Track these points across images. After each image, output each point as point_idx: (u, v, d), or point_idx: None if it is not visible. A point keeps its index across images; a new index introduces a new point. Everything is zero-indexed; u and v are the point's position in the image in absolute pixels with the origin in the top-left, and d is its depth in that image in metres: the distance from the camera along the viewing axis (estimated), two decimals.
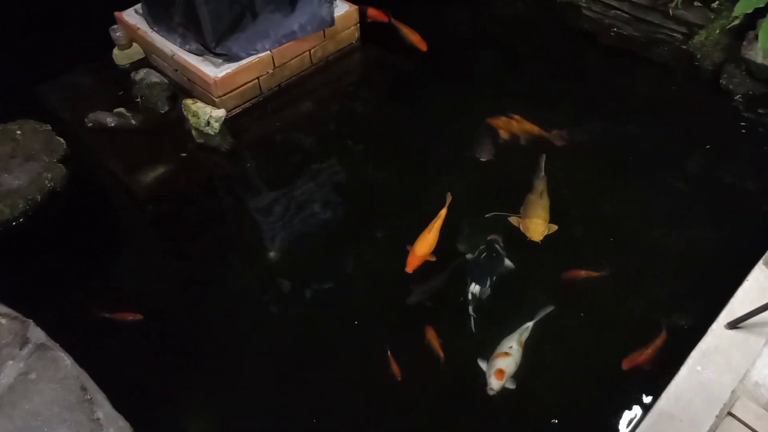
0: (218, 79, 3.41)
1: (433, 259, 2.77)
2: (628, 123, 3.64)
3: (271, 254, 3.02)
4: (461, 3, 4.85)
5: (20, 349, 2.33)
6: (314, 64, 3.95)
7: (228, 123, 3.46)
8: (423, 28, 4.43)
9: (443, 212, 2.93)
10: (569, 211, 3.08)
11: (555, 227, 2.89)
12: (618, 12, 4.28)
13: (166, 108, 3.63)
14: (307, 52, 3.85)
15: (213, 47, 3.42)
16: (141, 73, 3.70)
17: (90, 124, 3.51)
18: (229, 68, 3.46)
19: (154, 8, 3.70)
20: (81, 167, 3.30)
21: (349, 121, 3.79)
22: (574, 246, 2.96)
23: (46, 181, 3.09)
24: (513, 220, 2.94)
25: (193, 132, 3.38)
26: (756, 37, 3.43)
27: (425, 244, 2.80)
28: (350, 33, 4.09)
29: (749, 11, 3.36)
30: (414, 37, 4.05)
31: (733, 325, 2.34)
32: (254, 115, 3.70)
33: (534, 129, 3.50)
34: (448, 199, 3.00)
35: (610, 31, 4.30)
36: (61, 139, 3.33)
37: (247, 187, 3.40)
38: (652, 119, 3.68)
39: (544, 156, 3.22)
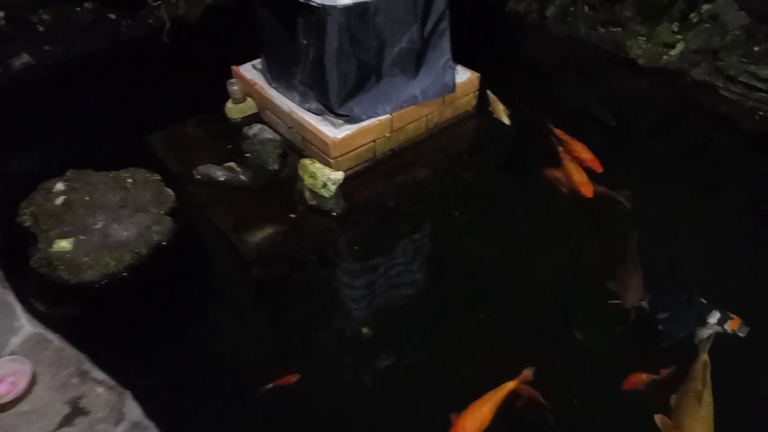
0: (337, 141, 3.24)
1: None
2: None
3: (365, 330, 2.70)
4: (580, 76, 4.64)
5: (115, 426, 2.07)
6: (429, 129, 3.76)
7: (341, 186, 3.25)
8: (538, 99, 4.24)
9: (510, 386, 2.30)
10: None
11: None
12: (763, 94, 3.90)
13: (277, 166, 3.48)
14: (425, 117, 3.67)
15: (336, 108, 3.27)
16: (254, 129, 3.61)
17: (199, 177, 3.40)
18: (348, 130, 3.29)
19: (275, 65, 3.65)
20: (188, 221, 3.14)
21: (457, 191, 3.53)
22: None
23: (154, 235, 2.94)
24: (659, 420, 2.20)
25: (306, 193, 3.19)
26: None
27: (474, 423, 2.17)
28: (468, 100, 3.90)
29: None
30: (580, 178, 3.31)
31: None
32: (366, 178, 3.49)
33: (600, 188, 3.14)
34: (526, 374, 2.35)
35: (754, 114, 3.91)
36: (171, 191, 3.21)
37: (354, 255, 3.15)
38: None
39: (711, 335, 2.50)
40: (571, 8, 4.89)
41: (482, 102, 4.02)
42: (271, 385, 2.36)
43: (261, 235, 3.05)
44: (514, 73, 4.58)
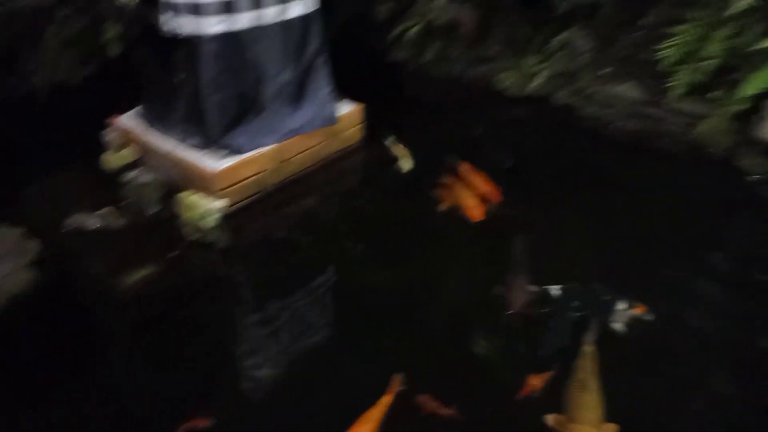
0: (218, 172, 3.17)
1: None
2: (644, 216, 3.46)
3: (263, 372, 2.53)
4: (459, 110, 4.94)
5: None
6: (318, 161, 3.78)
7: (227, 219, 3.16)
8: (425, 134, 4.44)
9: (386, 400, 2.25)
10: None
11: (614, 428, 2.16)
12: (616, 109, 4.33)
13: (158, 208, 3.33)
14: (311, 149, 3.70)
15: (217, 139, 3.23)
16: (132, 174, 3.47)
17: (70, 227, 3.16)
18: (231, 161, 3.24)
19: (155, 106, 3.58)
20: (55, 271, 2.87)
21: (350, 222, 3.54)
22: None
23: (11, 287, 2.65)
24: (550, 420, 2.19)
25: (188, 228, 3.04)
26: (764, 117, 3.42)
27: None
28: (354, 132, 4.00)
29: (752, 91, 3.38)
30: (470, 203, 3.41)
31: None
32: (255, 211, 3.41)
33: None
34: (395, 384, 2.32)
35: (610, 126, 4.31)
36: (34, 242, 2.96)
37: (242, 291, 3.01)
38: (673, 209, 3.52)
39: (595, 327, 2.56)
40: (446, 51, 5.27)
41: (370, 134, 4.12)
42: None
43: (137, 276, 2.85)
44: (403, 115, 4.78)
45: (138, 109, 3.80)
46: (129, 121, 3.76)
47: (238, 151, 3.29)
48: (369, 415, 2.18)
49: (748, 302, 2.80)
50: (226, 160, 3.25)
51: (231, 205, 3.24)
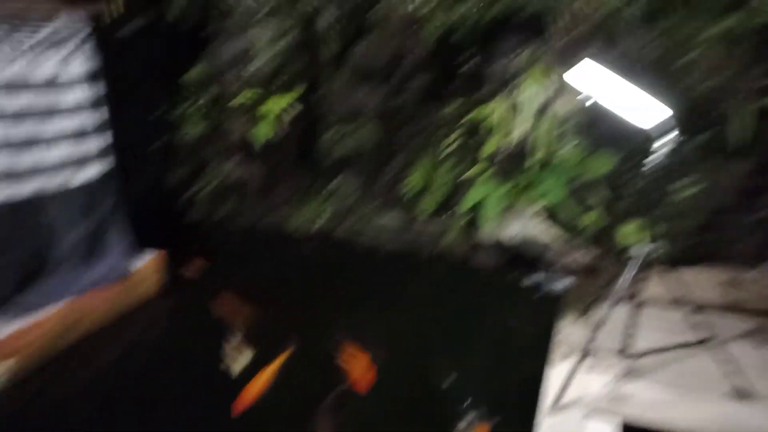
0: (4, 339, 3.12)
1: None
2: (412, 315, 4.27)
3: None
4: (253, 255, 5.52)
5: None
6: (115, 315, 3.89)
7: (19, 384, 3.05)
8: (227, 280, 4.86)
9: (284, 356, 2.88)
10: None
11: None
12: (383, 236, 5.35)
13: None
14: (106, 304, 3.82)
15: (6, 300, 3.22)
16: None
17: None
18: (18, 325, 3.22)
19: None
20: None
21: (153, 367, 3.62)
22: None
23: None
24: None
25: None
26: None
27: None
28: (153, 282, 4.23)
29: (470, 206, 4.62)
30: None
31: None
32: (50, 370, 3.33)
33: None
34: (288, 350, 2.98)
35: (381, 249, 5.28)
36: None
37: None
38: (431, 306, 4.40)
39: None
40: (240, 205, 5.96)
41: (173, 284, 4.38)
42: None
43: None
44: (206, 266, 5.14)
45: None
46: None
47: (28, 310, 3.30)
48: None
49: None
50: (13, 324, 3.22)
51: (20, 369, 3.15)
